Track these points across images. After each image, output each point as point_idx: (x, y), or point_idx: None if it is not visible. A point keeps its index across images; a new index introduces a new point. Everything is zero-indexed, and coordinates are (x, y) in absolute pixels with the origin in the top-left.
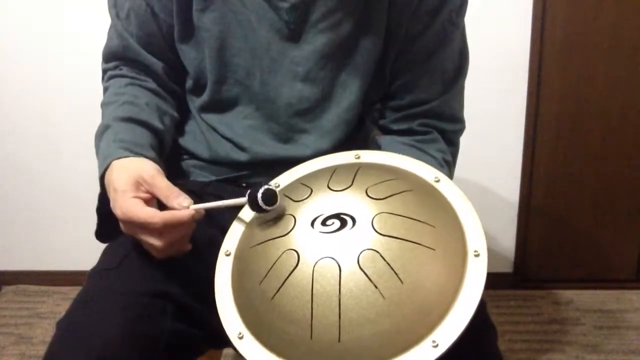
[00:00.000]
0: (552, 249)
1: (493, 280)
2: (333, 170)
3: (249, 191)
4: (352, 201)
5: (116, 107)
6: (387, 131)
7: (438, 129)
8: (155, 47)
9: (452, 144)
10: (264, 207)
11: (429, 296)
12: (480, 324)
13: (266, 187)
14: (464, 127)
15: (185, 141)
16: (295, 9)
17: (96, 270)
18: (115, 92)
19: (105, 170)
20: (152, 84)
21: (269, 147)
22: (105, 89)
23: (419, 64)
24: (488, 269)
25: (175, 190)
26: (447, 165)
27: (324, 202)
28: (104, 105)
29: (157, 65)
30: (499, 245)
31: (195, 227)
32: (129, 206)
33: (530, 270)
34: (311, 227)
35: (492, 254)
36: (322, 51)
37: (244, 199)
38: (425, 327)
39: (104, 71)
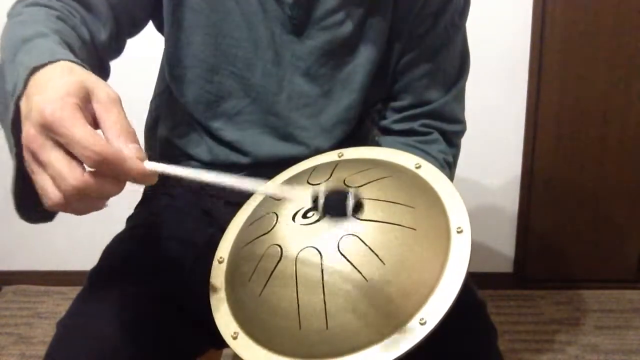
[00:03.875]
0: (552, 249)
1: (493, 280)
2: (313, 168)
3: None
4: None
5: (41, 27)
6: (388, 132)
7: (439, 129)
8: (118, 3)
9: (453, 145)
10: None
11: (413, 275)
12: (480, 324)
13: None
14: (464, 129)
15: (185, 145)
16: (298, 4)
17: (96, 270)
18: (36, 17)
19: (46, 64)
20: (85, 33)
21: (269, 146)
22: (16, 15)
23: (420, 65)
24: (488, 268)
25: (131, 131)
26: (448, 166)
27: (304, 196)
28: (14, 24)
29: (109, 21)
30: (499, 245)
31: (195, 227)
32: (68, 110)
33: (530, 270)
34: (292, 222)
35: (492, 254)
36: (324, 48)
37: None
38: (412, 306)
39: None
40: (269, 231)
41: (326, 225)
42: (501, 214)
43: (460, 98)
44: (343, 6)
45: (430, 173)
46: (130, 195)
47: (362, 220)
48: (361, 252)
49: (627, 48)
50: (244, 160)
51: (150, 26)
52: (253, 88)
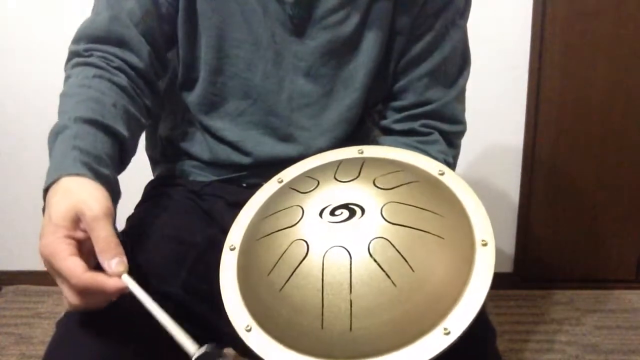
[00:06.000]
0: (552, 249)
1: (493, 280)
2: (339, 164)
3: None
4: (360, 191)
5: (78, 103)
6: (388, 131)
7: (439, 130)
8: (147, 28)
9: (453, 145)
10: None
11: (440, 284)
12: (479, 324)
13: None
14: (465, 129)
15: (185, 144)
16: (299, 4)
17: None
18: (80, 83)
19: (53, 182)
20: (123, 79)
21: (269, 147)
22: (67, 78)
23: (421, 64)
24: None
25: (113, 244)
26: (448, 167)
27: (331, 192)
28: (63, 96)
29: (144, 47)
30: (499, 245)
31: (195, 227)
32: (55, 248)
33: (530, 270)
34: (320, 217)
35: None
36: (325, 48)
37: (190, 348)
38: (437, 315)
39: (71, 53)
40: (293, 225)
41: (356, 225)
42: (501, 214)
43: (460, 98)
44: (344, 5)
45: (453, 181)
46: (130, 195)
47: (393, 224)
48: (392, 257)
49: (627, 48)
50: (245, 160)
51: None
52: (254, 89)
